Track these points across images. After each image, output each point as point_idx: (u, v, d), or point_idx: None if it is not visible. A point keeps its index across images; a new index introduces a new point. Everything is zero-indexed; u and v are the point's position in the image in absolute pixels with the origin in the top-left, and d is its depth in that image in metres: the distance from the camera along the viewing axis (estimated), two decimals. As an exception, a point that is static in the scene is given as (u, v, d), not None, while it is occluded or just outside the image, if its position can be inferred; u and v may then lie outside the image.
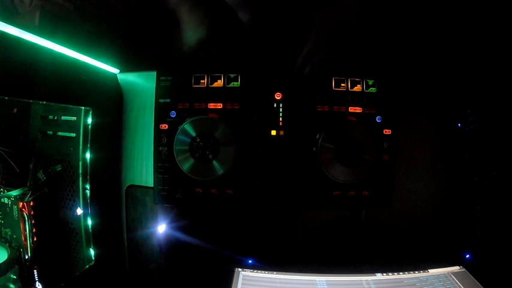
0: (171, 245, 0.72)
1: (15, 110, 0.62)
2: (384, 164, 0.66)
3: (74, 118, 0.63)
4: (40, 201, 0.58)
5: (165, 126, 0.67)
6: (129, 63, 0.72)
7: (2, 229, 0.56)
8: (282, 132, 0.66)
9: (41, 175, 0.58)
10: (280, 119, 0.66)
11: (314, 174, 0.65)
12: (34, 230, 0.56)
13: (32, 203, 0.56)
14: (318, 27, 0.69)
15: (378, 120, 0.66)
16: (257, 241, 0.72)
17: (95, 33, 0.71)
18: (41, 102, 0.62)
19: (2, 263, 0.52)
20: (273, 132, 0.66)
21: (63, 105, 0.62)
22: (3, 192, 0.54)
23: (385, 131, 0.66)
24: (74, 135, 0.63)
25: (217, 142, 0.63)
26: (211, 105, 0.66)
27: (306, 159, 0.65)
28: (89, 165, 0.63)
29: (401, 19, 0.67)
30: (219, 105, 0.66)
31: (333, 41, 0.71)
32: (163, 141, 0.66)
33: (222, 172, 0.63)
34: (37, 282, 0.55)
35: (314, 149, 0.64)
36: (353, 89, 0.66)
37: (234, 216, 0.73)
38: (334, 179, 0.63)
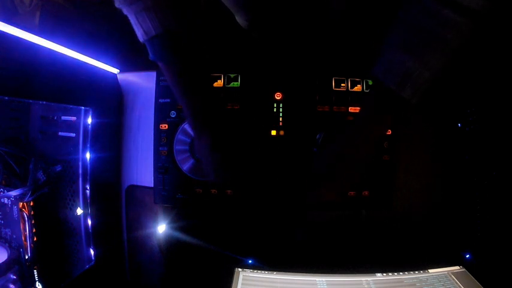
0: (171, 245, 0.72)
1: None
2: (384, 164, 0.66)
3: (74, 118, 0.63)
4: (40, 201, 0.58)
5: (165, 126, 0.67)
6: (129, 63, 0.73)
7: (2, 229, 0.56)
8: (282, 132, 0.66)
9: (41, 175, 0.58)
10: (280, 119, 0.66)
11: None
12: (34, 230, 0.56)
13: (32, 203, 0.56)
14: (318, 27, 0.69)
15: (378, 120, 0.66)
16: (257, 241, 0.72)
17: (94, 33, 0.71)
18: (41, 102, 0.62)
19: (2, 263, 0.52)
20: (273, 132, 0.66)
21: (63, 105, 0.62)
22: (3, 192, 0.54)
23: (385, 131, 0.66)
24: (74, 135, 0.63)
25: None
26: (211, 105, 0.66)
27: (306, 159, 0.65)
28: (89, 165, 0.63)
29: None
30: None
31: (333, 41, 0.71)
32: (163, 141, 0.67)
33: (222, 172, 0.63)
34: (37, 282, 0.55)
35: (314, 149, 0.64)
36: (353, 89, 0.66)
37: (234, 216, 0.73)
38: (334, 179, 0.63)
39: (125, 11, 0.45)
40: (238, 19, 0.70)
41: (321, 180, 0.53)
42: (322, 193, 0.54)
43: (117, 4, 0.45)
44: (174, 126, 0.66)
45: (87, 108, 0.62)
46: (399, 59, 0.42)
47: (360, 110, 0.52)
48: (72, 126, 0.63)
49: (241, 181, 0.54)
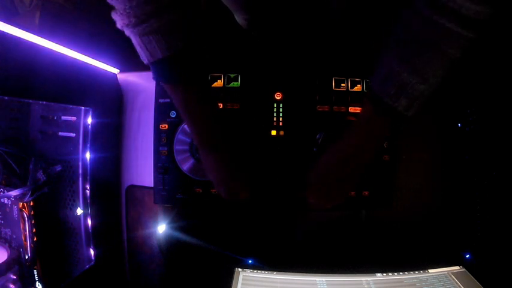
0: (171, 245, 0.72)
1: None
2: (384, 164, 0.66)
3: (74, 118, 0.63)
4: (40, 201, 0.58)
5: (165, 126, 0.67)
6: (129, 63, 0.72)
7: (2, 229, 0.56)
8: (282, 132, 0.66)
9: (41, 175, 0.59)
10: (280, 119, 0.66)
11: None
12: (34, 230, 0.56)
13: (32, 203, 0.56)
14: (318, 27, 0.69)
15: (377, 120, 0.66)
16: (257, 241, 0.72)
17: (94, 33, 0.71)
18: (41, 102, 0.62)
19: (2, 263, 0.52)
20: (273, 132, 0.66)
21: (63, 105, 0.62)
22: (3, 192, 0.54)
23: (385, 131, 0.66)
24: (74, 135, 0.63)
25: (217, 142, 0.62)
26: (211, 105, 0.66)
27: (306, 159, 0.65)
28: (89, 165, 0.63)
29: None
30: (219, 105, 0.66)
31: (333, 41, 0.71)
32: (163, 141, 0.66)
33: (222, 172, 0.63)
34: (37, 282, 0.55)
35: (314, 149, 0.64)
36: (353, 89, 0.66)
37: (234, 216, 0.73)
38: (334, 179, 0.63)
39: (127, 33, 0.42)
40: (238, 18, 0.70)
41: (319, 189, 0.53)
42: (320, 202, 0.54)
43: (119, 25, 0.42)
44: (174, 126, 0.66)
45: (87, 108, 0.62)
46: (395, 70, 0.41)
47: (356, 121, 0.52)
48: (72, 126, 0.63)
49: (249, 194, 0.55)
